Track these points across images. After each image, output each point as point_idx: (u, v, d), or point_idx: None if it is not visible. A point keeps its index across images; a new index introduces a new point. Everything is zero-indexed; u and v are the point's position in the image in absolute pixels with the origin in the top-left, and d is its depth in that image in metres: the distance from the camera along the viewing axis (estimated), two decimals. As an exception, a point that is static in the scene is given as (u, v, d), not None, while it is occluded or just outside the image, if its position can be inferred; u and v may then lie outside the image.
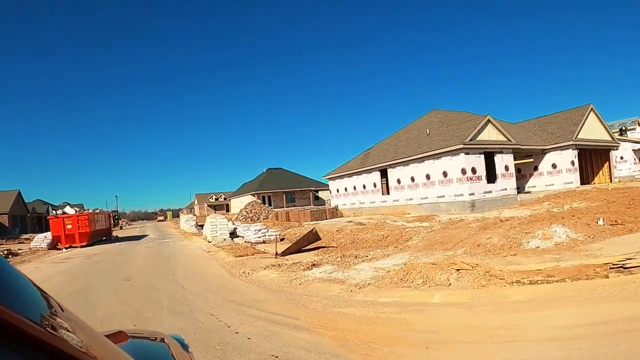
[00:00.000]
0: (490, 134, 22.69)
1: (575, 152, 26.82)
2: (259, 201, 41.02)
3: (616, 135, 34.00)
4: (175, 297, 7.26)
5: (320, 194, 53.14)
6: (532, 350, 4.26)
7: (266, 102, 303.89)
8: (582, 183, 27.08)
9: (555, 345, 4.32)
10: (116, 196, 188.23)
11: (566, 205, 18.20)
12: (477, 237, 11.46)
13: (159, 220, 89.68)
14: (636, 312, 4.77)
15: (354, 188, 30.71)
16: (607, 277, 6.64)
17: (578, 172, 27.01)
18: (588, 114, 28.65)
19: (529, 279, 6.95)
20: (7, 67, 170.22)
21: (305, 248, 12.28)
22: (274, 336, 4.83)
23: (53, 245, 22.20)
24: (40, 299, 0.65)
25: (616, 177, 31.13)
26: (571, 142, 26.36)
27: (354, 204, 30.53)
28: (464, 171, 20.91)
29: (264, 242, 15.58)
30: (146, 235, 30.48)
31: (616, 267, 7.02)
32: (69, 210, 23.64)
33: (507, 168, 23.20)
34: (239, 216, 33.11)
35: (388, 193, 27.02)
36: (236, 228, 19.61)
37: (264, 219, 31.69)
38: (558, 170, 27.09)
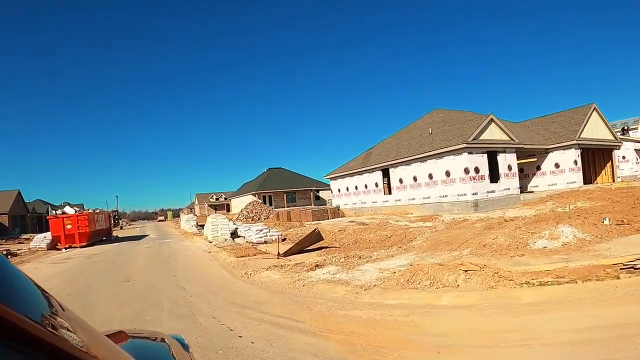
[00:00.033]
0: (493, 133, 22.51)
1: (578, 152, 26.64)
2: (260, 201, 40.85)
3: (618, 135, 33.80)
4: (176, 298, 7.09)
5: (321, 194, 52.96)
6: (548, 355, 4.10)
7: (266, 102, 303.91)
8: (584, 183, 26.92)
9: (571, 350, 4.17)
10: (116, 196, 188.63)
11: (570, 205, 17.99)
12: (482, 237, 11.29)
13: (159, 220, 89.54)
14: (653, 315, 4.60)
15: (356, 188, 30.52)
16: (618, 277, 6.49)
17: (581, 171, 26.84)
18: (591, 114, 28.47)
19: (539, 280, 6.79)
20: (7, 67, 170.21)
21: (308, 248, 12.11)
22: (279, 340, 4.66)
23: (53, 246, 22.03)
24: (41, 299, 0.64)
25: (619, 177, 30.95)
26: (574, 142, 26.18)
27: (355, 203, 30.35)
28: (467, 171, 20.73)
29: (265, 242, 15.40)
30: (146, 235, 30.32)
31: (627, 268, 6.86)
32: (68, 210, 23.46)
33: (510, 167, 23.02)
34: (240, 216, 32.93)
35: (390, 193, 26.84)
36: (237, 228, 19.43)
37: (264, 219, 31.52)
38: (561, 170, 26.91)
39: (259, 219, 31.61)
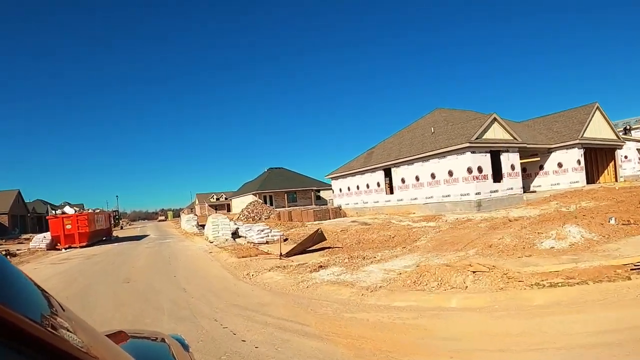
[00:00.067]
0: (497, 133, 22.33)
1: (582, 151, 26.47)
2: (261, 201, 40.67)
3: (620, 135, 33.62)
4: (177, 300, 6.91)
5: (322, 194, 52.78)
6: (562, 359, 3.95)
7: (266, 102, 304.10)
8: (587, 182, 26.73)
9: (585, 353, 4.01)
10: (117, 196, 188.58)
11: (574, 204, 17.84)
12: (487, 238, 11.12)
13: (159, 220, 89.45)
14: (671, 317, 4.44)
15: (357, 187, 30.33)
16: (629, 278, 6.34)
17: (584, 171, 26.66)
18: (594, 113, 28.30)
19: (549, 281, 6.63)
20: (7, 67, 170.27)
21: (310, 249, 11.93)
22: (284, 345, 4.49)
23: (52, 246, 21.87)
24: (41, 299, 0.64)
25: (621, 177, 30.79)
26: (577, 141, 26.00)
27: (357, 203, 30.16)
28: (470, 170, 20.54)
29: (267, 242, 15.22)
30: (147, 236, 30.16)
31: (638, 269, 6.72)
32: (68, 210, 23.30)
33: (513, 167, 22.84)
34: (241, 216, 32.76)
35: (392, 192, 26.64)
36: (238, 228, 19.26)
37: (265, 218, 31.35)
38: (564, 170, 26.73)
39: (259, 219, 31.44)
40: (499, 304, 5.72)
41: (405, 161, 24.85)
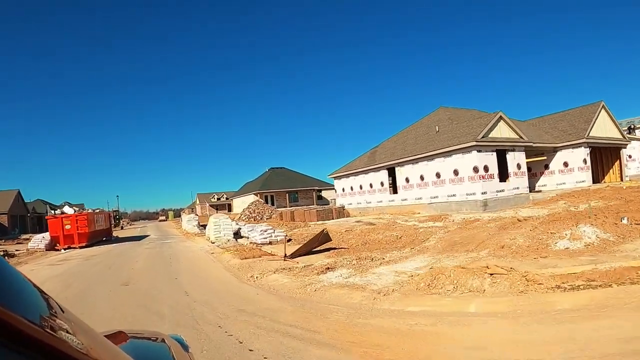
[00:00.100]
0: (502, 131, 21.97)
1: (588, 150, 26.12)
2: (262, 201, 40.33)
3: (625, 134, 33.25)
4: (178, 305, 6.54)
5: (324, 194, 52.45)
6: (603, 371, 3.60)
7: (266, 102, 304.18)
8: (593, 182, 26.37)
9: (624, 363, 3.66)
10: (117, 196, 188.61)
11: (583, 204, 17.50)
12: (499, 238, 10.77)
13: (160, 220, 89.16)
14: None
15: (360, 187, 29.95)
16: (653, 280, 6.00)
17: (590, 170, 26.29)
18: (599, 111, 27.95)
19: (569, 283, 6.28)
20: (7, 67, 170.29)
21: (315, 250, 11.57)
22: (295, 355, 4.13)
23: (51, 246, 21.53)
24: (40, 300, 0.63)
25: (626, 176, 30.42)
26: (583, 140, 25.65)
27: (360, 203, 29.79)
28: (476, 169, 20.18)
29: (270, 243, 14.87)
30: (147, 236, 29.80)
31: (661, 270, 6.38)
32: (67, 210, 22.96)
33: (519, 166, 22.49)
34: (242, 216, 32.43)
35: (396, 192, 26.26)
36: (240, 228, 18.92)
37: (267, 218, 31.01)
38: (570, 169, 26.37)
39: (261, 218, 31.10)
40: (521, 309, 5.38)
41: (409, 160, 24.48)
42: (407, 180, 24.97)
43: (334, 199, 40.25)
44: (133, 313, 6.26)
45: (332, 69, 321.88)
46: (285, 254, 10.76)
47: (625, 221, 11.24)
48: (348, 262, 8.97)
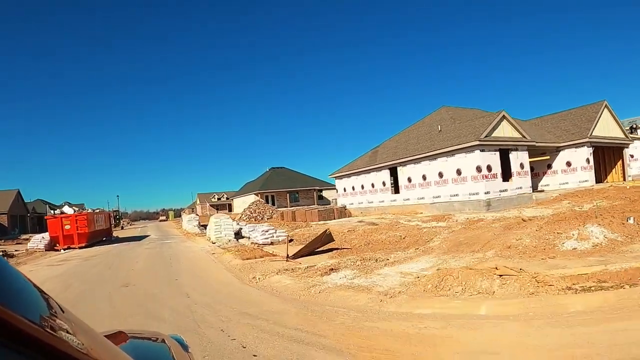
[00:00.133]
0: (505, 131, 21.78)
1: (591, 150, 25.91)
2: (263, 200, 40.16)
3: (627, 133, 33.06)
4: (179, 307, 6.36)
5: (325, 193, 52.27)
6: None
7: (266, 102, 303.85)
8: (596, 182, 26.18)
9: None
10: (117, 196, 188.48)
11: (587, 204, 17.33)
12: (504, 238, 10.60)
13: (160, 220, 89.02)
14: None
15: (362, 187, 29.76)
16: (666, 281, 5.85)
17: (593, 170, 26.10)
18: (602, 111, 27.75)
19: (580, 285, 6.12)
20: (7, 67, 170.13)
21: (318, 250, 11.40)
22: (301, 360, 3.96)
23: (51, 246, 21.37)
24: (40, 300, 0.63)
25: (629, 176, 30.22)
26: (586, 139, 25.44)
27: (361, 203, 29.59)
28: (479, 169, 19.99)
29: (271, 243, 14.69)
30: (147, 236, 29.63)
31: (674, 271, 6.22)
32: (67, 210, 22.79)
33: (522, 166, 22.31)
34: (243, 216, 32.26)
35: (398, 192, 26.07)
36: (241, 228, 18.75)
37: (268, 218, 30.84)
38: (573, 169, 26.17)
39: (262, 218, 30.93)
40: (533, 311, 5.22)
41: (411, 160, 24.28)
42: (409, 180, 24.78)
43: (335, 199, 40.06)
44: (132, 316, 6.09)
45: (332, 69, 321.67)
46: (288, 255, 10.60)
47: (631, 221, 11.06)
48: (352, 263, 8.79)
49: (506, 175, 21.61)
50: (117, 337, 1.31)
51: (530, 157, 23.42)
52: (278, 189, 49.21)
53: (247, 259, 11.07)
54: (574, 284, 6.13)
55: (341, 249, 11.84)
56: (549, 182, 27.15)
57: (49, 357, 0.51)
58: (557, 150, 26.50)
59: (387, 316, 5.28)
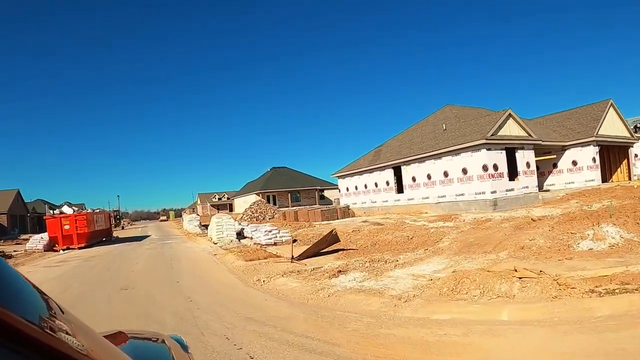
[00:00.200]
0: (512, 129, 21.41)
1: (597, 149, 25.56)
2: (264, 200, 39.83)
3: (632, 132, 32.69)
4: (180, 312, 6.02)
5: (326, 193, 51.91)
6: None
7: (266, 102, 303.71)
8: (602, 181, 25.83)
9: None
10: (118, 196, 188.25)
11: (595, 203, 17.00)
12: (516, 239, 10.26)
13: (161, 220, 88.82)
14: None
15: (365, 186, 29.38)
16: (692, 283, 5.55)
17: (599, 169, 25.73)
18: (608, 109, 27.39)
19: (603, 287, 5.78)
20: (7, 67, 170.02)
21: (323, 251, 11.06)
22: (314, 372, 3.63)
23: (50, 247, 21.06)
24: (39, 301, 0.63)
25: (635, 175, 29.87)
26: (592, 138, 25.08)
27: (364, 203, 29.22)
28: (485, 168, 19.63)
29: (275, 244, 14.35)
30: (148, 236, 29.30)
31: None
32: (66, 209, 22.47)
33: (528, 165, 21.95)
34: (244, 216, 31.93)
35: (402, 191, 25.68)
36: (243, 229, 18.43)
37: (270, 218, 30.50)
38: (579, 168, 25.81)
39: (263, 218, 30.59)
40: (558, 316, 4.90)
41: (416, 159, 23.91)
42: (413, 179, 24.41)
43: (337, 199, 39.71)
44: (132, 321, 5.76)
45: (332, 69, 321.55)
46: (293, 256, 10.26)
47: (643, 221, 10.74)
48: (360, 265, 8.45)
49: (512, 174, 21.25)
50: (116, 337, 1.31)
51: (535, 156, 23.07)
52: (279, 188, 48.85)
53: (250, 260, 10.74)
54: (596, 287, 5.81)
55: (347, 249, 11.50)
56: (554, 181, 26.79)
57: (48, 358, 0.50)
58: (563, 149, 26.14)
59: (403, 322, 4.94)
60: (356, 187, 30.65)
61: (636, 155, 35.85)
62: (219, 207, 74.73)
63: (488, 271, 6.40)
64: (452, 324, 4.82)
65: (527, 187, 21.48)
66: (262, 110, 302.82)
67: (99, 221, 25.03)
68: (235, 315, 5.57)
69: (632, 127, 41.92)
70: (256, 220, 29.58)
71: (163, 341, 1.49)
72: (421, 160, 23.51)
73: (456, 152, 21.02)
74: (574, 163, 26.04)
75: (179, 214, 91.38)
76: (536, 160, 23.42)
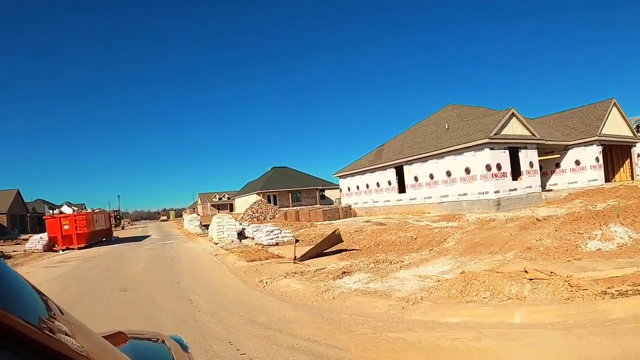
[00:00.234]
0: (515, 129, 21.24)
1: (600, 148, 25.39)
2: (265, 200, 39.66)
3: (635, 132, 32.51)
4: (181, 315, 5.85)
5: (327, 193, 51.72)
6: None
7: (266, 102, 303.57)
8: (605, 181, 25.66)
9: None
10: (118, 196, 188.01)
11: (600, 203, 16.84)
12: (522, 239, 10.10)
13: (161, 220, 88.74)
14: None
15: (367, 186, 29.19)
16: None
17: (603, 168, 25.56)
18: (611, 109, 27.24)
19: (616, 288, 5.61)
20: (7, 67, 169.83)
21: (325, 251, 10.89)
22: (323, 380, 3.46)
23: (49, 247, 20.88)
24: (38, 302, 0.63)
25: (638, 175, 29.69)
26: (596, 138, 24.91)
27: (366, 202, 29.04)
28: (488, 167, 19.46)
29: (276, 244, 14.18)
30: (148, 236, 29.13)
31: None
32: (66, 209, 22.29)
33: (531, 164, 21.78)
34: (245, 216, 31.77)
35: (404, 191, 25.50)
36: (244, 229, 18.26)
37: (270, 218, 30.33)
38: (582, 167, 25.64)
39: (264, 218, 30.43)
40: (572, 319, 4.73)
41: (418, 158, 23.73)
42: (415, 179, 24.24)
43: (338, 199, 39.55)
44: (131, 323, 5.58)
45: (332, 69, 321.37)
46: (295, 256, 10.09)
47: (652, 221, 10.58)
48: (365, 266, 8.28)
49: (515, 174, 21.08)
50: (116, 337, 1.30)
51: (538, 156, 22.90)
52: (280, 188, 48.67)
53: (251, 260, 10.57)
54: (608, 288, 5.64)
55: (350, 250, 11.33)
56: (557, 181, 26.63)
57: (47, 359, 0.50)
58: (566, 148, 25.97)
59: (412, 325, 4.78)
60: (358, 187, 30.47)
61: (638, 155, 35.67)
62: (219, 207, 74.59)
63: (497, 272, 6.23)
64: (464, 327, 4.65)
65: (530, 186, 21.31)
66: (262, 110, 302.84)
67: (99, 221, 24.85)
68: (238, 318, 5.40)
69: (634, 126, 41.79)
70: (257, 220, 29.41)
71: (163, 341, 1.49)
72: (423, 159, 23.34)
73: (459, 152, 20.85)
74: (577, 162, 25.88)
75: (179, 214, 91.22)
76: (539, 160, 23.25)
